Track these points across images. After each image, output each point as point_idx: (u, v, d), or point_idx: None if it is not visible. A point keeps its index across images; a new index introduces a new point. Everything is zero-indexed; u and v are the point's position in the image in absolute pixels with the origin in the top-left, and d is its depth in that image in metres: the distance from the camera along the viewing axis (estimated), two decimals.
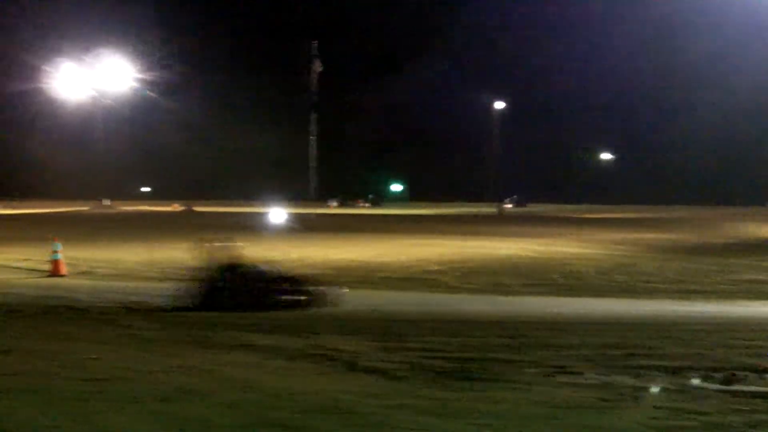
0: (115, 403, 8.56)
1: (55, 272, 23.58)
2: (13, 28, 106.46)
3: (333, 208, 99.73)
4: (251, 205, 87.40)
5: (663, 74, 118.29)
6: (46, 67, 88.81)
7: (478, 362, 10.66)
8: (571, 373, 10.08)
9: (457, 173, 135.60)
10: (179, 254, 30.20)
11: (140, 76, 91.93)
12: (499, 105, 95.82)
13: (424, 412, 8.14)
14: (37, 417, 8.04)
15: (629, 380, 9.72)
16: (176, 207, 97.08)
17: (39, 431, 7.58)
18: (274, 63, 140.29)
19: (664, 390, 9.30)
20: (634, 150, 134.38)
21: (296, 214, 67.62)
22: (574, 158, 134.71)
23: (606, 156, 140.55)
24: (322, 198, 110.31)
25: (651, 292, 21.41)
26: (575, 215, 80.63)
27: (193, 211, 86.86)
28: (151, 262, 27.43)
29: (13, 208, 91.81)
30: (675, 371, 10.18)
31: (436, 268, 25.45)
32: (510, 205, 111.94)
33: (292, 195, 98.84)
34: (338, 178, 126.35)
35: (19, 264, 26.62)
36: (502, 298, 19.51)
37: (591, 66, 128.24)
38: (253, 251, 31.44)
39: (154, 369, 10.25)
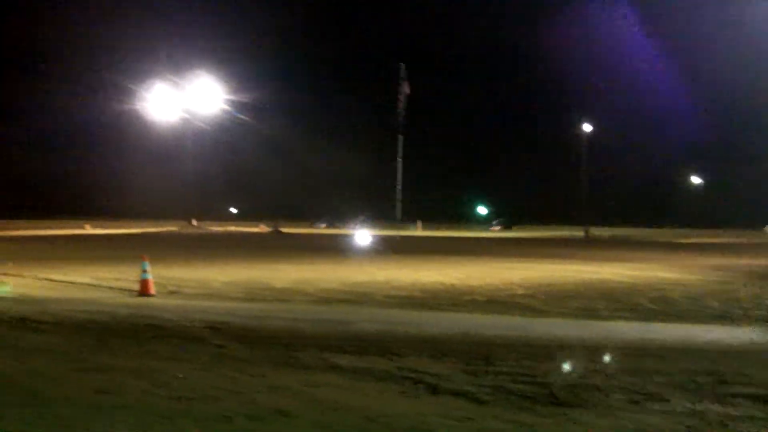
0: (204, 422, 8.69)
1: (143, 292, 23.90)
2: (108, 51, 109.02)
3: (322, 229, 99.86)
4: (337, 227, 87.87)
5: (756, 97, 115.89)
6: (139, 89, 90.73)
7: (565, 388, 10.58)
8: (659, 399, 9.95)
9: (544, 197, 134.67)
10: (266, 274, 30.55)
11: (230, 97, 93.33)
12: (587, 128, 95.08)
13: None
14: None
15: (718, 408, 9.57)
16: (263, 228, 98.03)
17: None
18: (362, 85, 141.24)
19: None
20: (724, 174, 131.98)
21: (382, 236, 67.79)
22: (665, 182, 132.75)
23: (695, 180, 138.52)
24: (409, 220, 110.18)
25: (745, 319, 20.96)
26: (665, 240, 79.51)
27: (280, 232, 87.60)
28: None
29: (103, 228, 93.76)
30: (767, 400, 9.99)
31: (523, 291, 25.26)
32: (497, 227, 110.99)
33: (378, 217, 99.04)
34: (423, 201, 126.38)
35: (109, 283, 27.07)
36: (590, 323, 19.29)
37: (680, 88, 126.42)
38: (340, 273, 31.68)
39: (242, 389, 10.38)
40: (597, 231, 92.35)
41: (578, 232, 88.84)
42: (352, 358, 12.70)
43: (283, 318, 18.54)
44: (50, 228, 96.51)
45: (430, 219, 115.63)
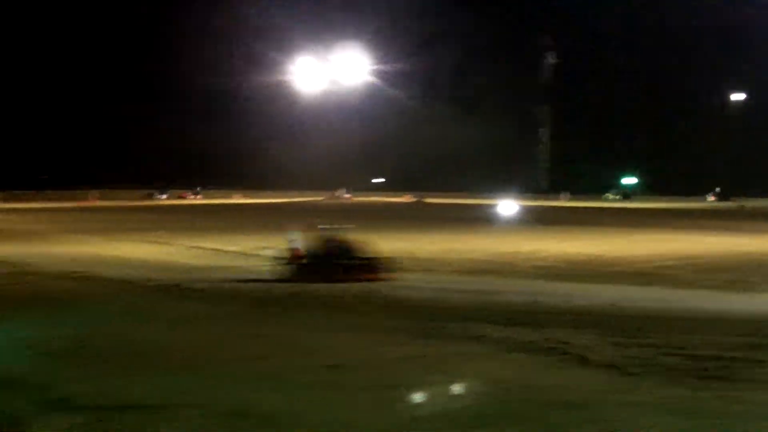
0: (349, 391, 8.77)
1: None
2: (257, 25, 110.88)
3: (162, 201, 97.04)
4: (482, 197, 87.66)
5: None
6: (287, 61, 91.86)
7: (715, 361, 10.32)
8: None
9: (693, 167, 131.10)
10: (410, 244, 30.69)
11: (376, 68, 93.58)
12: (738, 97, 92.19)
13: (660, 409, 7.96)
14: (275, 401, 8.34)
15: None
16: (408, 198, 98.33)
17: (277, 415, 7.85)
18: (509, 55, 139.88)
19: None
20: None
21: (528, 207, 67.25)
22: None
23: None
24: (554, 190, 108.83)
25: None
26: None
27: (424, 203, 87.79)
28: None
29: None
30: None
31: (671, 263, 24.75)
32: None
33: (523, 187, 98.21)
34: (569, 170, 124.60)
35: (257, 252, 27.58)
36: (743, 296, 18.77)
37: None
38: (484, 244, 31.57)
39: (386, 358, 10.43)
40: (750, 203, 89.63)
41: (730, 204, 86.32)
42: (497, 328, 12.65)
43: (428, 288, 18.60)
44: (202, 198, 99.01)
45: (578, 190, 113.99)
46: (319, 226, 22.94)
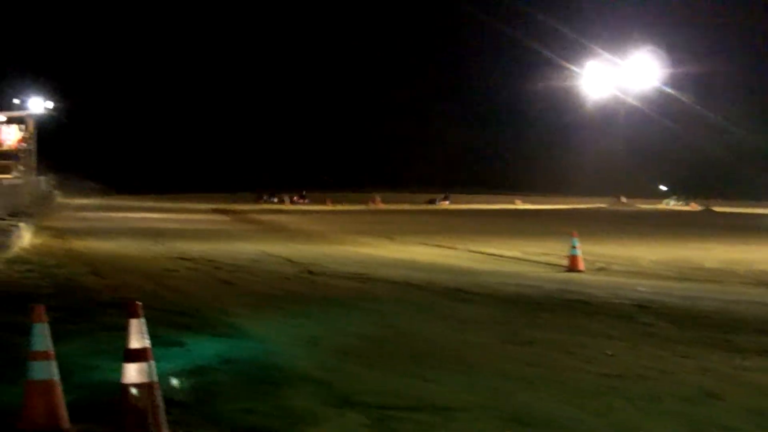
0: (634, 401, 8.64)
1: (572, 267, 24.08)
2: (538, 28, 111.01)
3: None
4: None
5: None
6: (571, 65, 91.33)
7: None
8: None
9: None
10: (696, 254, 29.80)
11: (666, 71, 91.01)
12: None
13: None
14: (557, 408, 8.33)
15: None
16: (694, 206, 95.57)
17: (560, 422, 7.85)
18: None
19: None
20: None
21: None
22: None
23: None
24: None
25: None
26: None
27: (712, 211, 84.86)
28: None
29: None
30: None
31: None
32: None
33: None
34: None
35: (537, 258, 27.57)
36: None
37: None
38: None
39: (671, 369, 10.23)
40: None
41: None
42: None
43: (714, 299, 18.00)
44: (482, 202, 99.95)
45: None
46: None
